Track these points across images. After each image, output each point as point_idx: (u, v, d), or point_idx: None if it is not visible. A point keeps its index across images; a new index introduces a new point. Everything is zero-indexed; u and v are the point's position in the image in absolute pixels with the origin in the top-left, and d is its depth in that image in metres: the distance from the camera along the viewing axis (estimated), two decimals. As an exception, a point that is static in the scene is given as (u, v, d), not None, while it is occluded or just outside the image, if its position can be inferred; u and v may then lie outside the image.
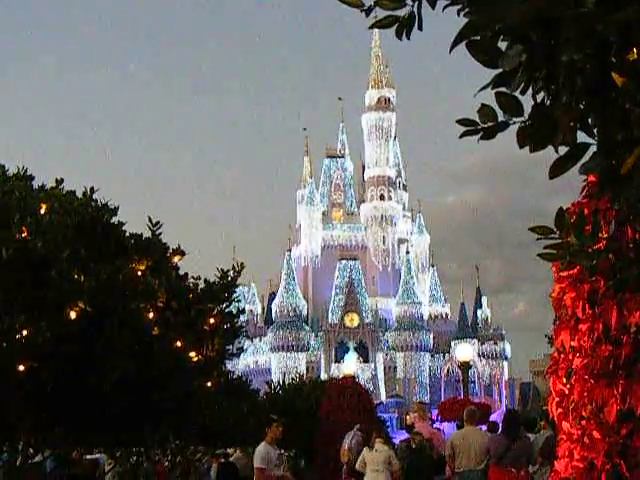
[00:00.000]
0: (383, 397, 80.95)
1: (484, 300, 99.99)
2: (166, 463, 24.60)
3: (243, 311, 15.65)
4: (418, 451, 13.93)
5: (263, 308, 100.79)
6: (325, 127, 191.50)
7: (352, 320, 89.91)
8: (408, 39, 2.22)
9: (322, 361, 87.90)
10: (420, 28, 2.19)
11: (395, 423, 65.60)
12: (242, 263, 14.23)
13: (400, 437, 22.75)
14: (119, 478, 22.00)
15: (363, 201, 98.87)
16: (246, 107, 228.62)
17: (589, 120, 2.07)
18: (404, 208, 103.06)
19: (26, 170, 13.44)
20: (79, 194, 12.75)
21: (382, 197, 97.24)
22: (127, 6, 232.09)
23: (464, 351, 23.98)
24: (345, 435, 16.56)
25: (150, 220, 13.13)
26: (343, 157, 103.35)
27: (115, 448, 18.88)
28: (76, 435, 13.77)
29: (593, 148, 2.10)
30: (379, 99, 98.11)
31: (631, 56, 1.96)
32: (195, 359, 13.21)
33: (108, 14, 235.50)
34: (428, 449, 14.15)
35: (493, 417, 25.16)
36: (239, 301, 15.13)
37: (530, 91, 2.09)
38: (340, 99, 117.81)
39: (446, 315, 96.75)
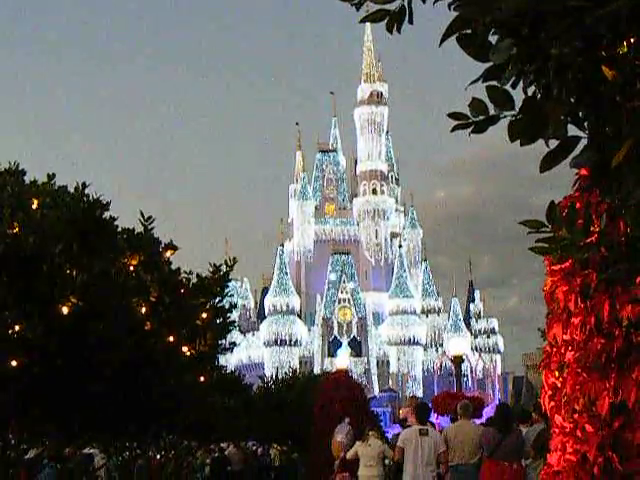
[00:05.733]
0: (376, 391, 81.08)
1: (477, 294, 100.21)
2: (158, 457, 24.60)
3: (235, 306, 15.65)
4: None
5: (256, 302, 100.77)
6: (317, 121, 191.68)
7: (345, 314, 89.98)
8: (399, 33, 2.21)
9: (315, 355, 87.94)
10: (411, 22, 2.18)
11: (388, 417, 65.66)
12: (234, 258, 14.21)
13: (393, 431, 22.77)
14: (112, 473, 22.02)
15: (355, 195, 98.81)
16: (238, 102, 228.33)
17: (580, 114, 2.07)
18: (396, 202, 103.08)
19: (18, 165, 13.38)
20: (71, 189, 12.70)
21: (374, 191, 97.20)
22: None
23: (457, 345, 23.98)
24: (336, 428, 16.57)
25: (142, 215, 13.10)
26: (335, 151, 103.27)
27: (109, 443, 18.88)
28: (69, 430, 13.77)
29: (584, 142, 2.09)
30: (371, 93, 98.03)
31: (621, 49, 1.96)
32: (188, 354, 13.20)
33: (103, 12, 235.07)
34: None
35: (488, 411, 25.17)
36: (232, 296, 15.14)
37: (521, 85, 2.08)
38: (332, 93, 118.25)
39: (439, 309, 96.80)
